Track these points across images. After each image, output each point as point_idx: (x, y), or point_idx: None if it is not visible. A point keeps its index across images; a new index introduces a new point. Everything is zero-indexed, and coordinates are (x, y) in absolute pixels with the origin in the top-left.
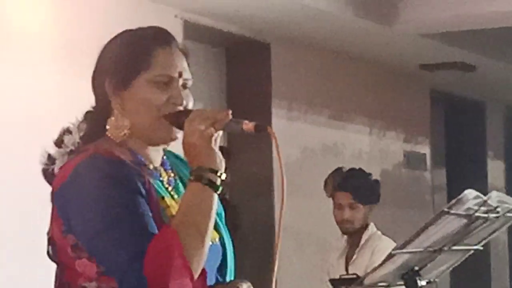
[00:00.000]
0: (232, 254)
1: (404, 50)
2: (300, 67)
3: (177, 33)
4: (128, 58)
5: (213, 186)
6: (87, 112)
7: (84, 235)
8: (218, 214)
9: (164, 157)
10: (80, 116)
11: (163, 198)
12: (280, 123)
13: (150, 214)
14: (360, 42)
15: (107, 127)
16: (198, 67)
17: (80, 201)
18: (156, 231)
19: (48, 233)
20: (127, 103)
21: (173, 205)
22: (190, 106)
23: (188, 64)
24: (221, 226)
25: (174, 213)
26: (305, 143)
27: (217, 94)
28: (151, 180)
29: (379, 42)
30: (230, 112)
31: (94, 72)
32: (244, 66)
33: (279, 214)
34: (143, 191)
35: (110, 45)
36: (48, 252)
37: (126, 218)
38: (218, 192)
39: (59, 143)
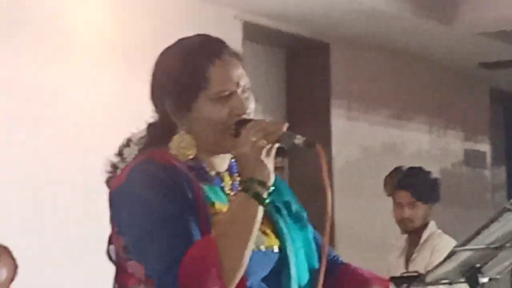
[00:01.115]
0: (300, 263)
1: (464, 48)
2: (359, 66)
3: (237, 34)
4: (184, 81)
5: (259, 198)
6: (150, 125)
7: (130, 238)
8: (294, 220)
9: (232, 160)
10: (139, 122)
11: (213, 204)
12: (340, 122)
13: (196, 221)
14: (419, 41)
15: (171, 145)
16: (257, 68)
17: (128, 204)
18: (199, 238)
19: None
20: (192, 124)
21: (223, 212)
22: (252, 107)
23: (243, 66)
24: (286, 233)
25: None
26: (364, 142)
27: (276, 95)
28: (203, 186)
29: (438, 41)
30: (286, 125)
31: (152, 88)
32: (304, 66)
33: (324, 229)
34: (191, 197)
35: (164, 61)
36: (107, 252)
37: (169, 224)
38: (264, 204)
39: (119, 155)
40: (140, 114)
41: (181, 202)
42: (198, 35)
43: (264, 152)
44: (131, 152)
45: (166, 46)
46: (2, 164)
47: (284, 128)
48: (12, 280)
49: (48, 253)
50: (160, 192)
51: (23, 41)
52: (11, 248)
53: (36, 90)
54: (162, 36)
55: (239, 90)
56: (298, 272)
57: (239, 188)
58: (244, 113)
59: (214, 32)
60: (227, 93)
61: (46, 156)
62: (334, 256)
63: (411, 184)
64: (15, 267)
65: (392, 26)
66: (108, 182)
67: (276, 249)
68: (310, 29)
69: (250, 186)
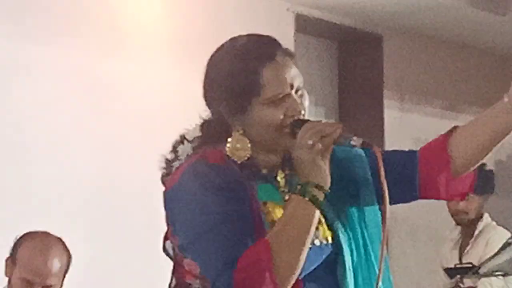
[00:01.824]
0: (354, 254)
1: None
2: (412, 58)
3: (289, 26)
4: (237, 87)
5: (316, 202)
6: (204, 123)
7: (184, 239)
8: (352, 213)
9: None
10: (197, 114)
11: (265, 203)
12: (392, 114)
13: (249, 221)
14: (473, 32)
15: (227, 147)
16: (310, 60)
17: (182, 205)
18: (253, 239)
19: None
20: (247, 125)
21: (275, 211)
22: (306, 105)
23: (296, 63)
24: (336, 223)
25: (275, 218)
26: (417, 134)
27: (329, 87)
28: (255, 185)
29: (493, 31)
30: (341, 126)
31: (205, 90)
32: (356, 58)
33: (383, 230)
34: (244, 197)
35: (216, 65)
36: (164, 248)
37: (223, 226)
38: (320, 208)
39: (173, 153)
40: (197, 105)
41: (234, 203)
42: (250, 35)
43: (320, 154)
44: (184, 150)
45: (220, 38)
46: (67, 153)
47: (340, 130)
48: (66, 271)
49: (105, 245)
50: (213, 194)
51: (87, 36)
52: (70, 240)
53: (99, 82)
54: (216, 28)
55: (293, 91)
56: (353, 262)
57: (295, 192)
58: (299, 114)
59: (266, 25)
60: (281, 96)
61: (109, 145)
62: (409, 161)
63: None
64: (68, 258)
65: (445, 16)
66: (163, 180)
67: (330, 240)
68: (363, 21)
69: (306, 190)
